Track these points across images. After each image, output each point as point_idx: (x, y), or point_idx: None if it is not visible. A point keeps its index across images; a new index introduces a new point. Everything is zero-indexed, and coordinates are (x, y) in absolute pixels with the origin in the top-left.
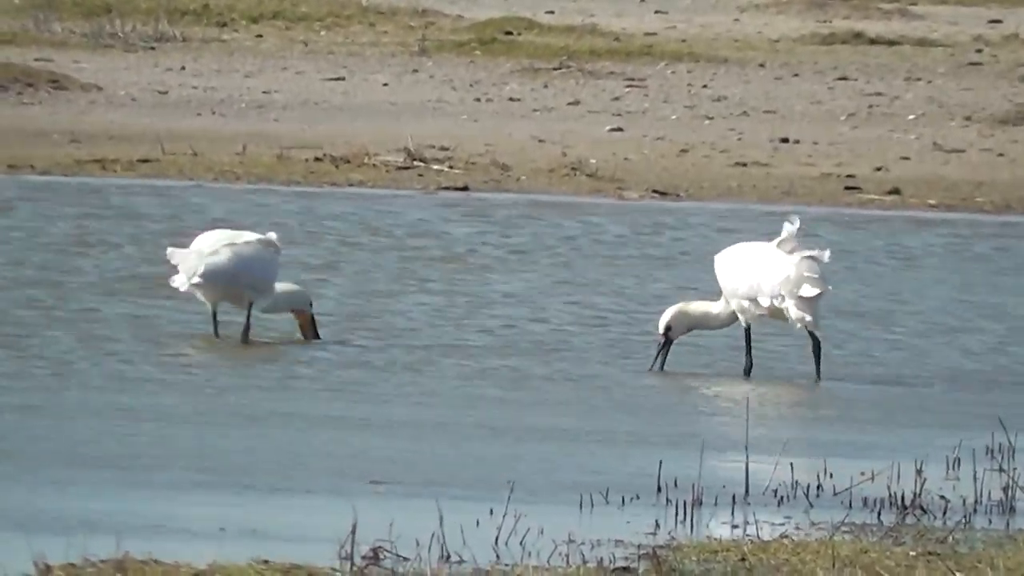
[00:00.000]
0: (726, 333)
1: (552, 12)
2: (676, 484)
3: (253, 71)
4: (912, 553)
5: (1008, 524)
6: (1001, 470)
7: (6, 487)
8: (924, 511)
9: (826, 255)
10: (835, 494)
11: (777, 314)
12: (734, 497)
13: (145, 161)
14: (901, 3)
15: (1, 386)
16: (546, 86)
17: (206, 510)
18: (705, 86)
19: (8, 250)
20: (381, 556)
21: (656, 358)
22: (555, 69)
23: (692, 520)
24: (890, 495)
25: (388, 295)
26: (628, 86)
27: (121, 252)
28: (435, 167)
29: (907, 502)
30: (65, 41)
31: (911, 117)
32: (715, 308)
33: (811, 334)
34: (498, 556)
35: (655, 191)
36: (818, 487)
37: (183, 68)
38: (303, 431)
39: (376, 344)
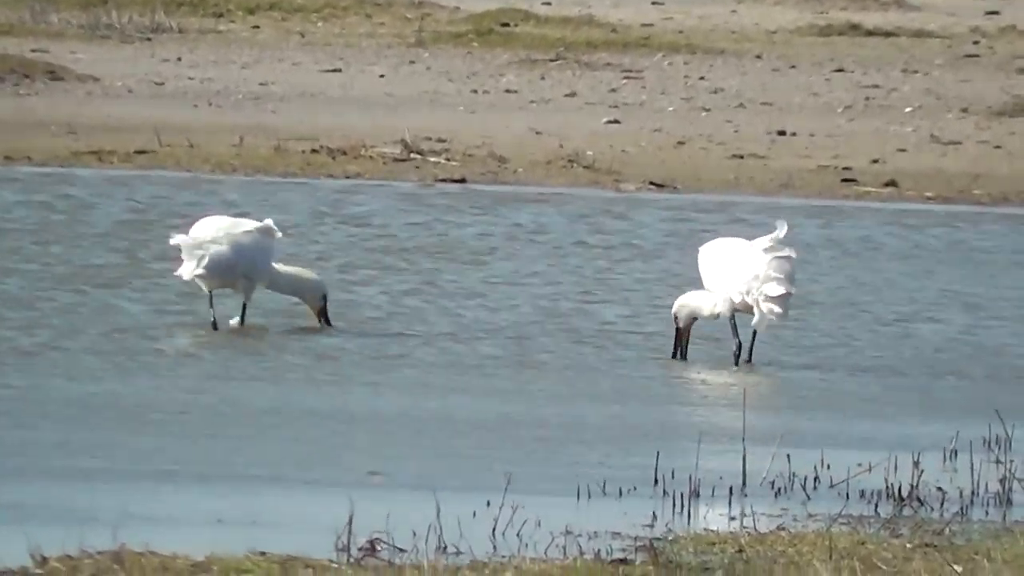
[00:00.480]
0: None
1: (549, 3)
2: (673, 476)
3: (250, 62)
4: (909, 545)
5: (1005, 516)
6: (998, 462)
7: (2, 479)
8: (921, 503)
9: (792, 255)
10: (832, 486)
11: (747, 308)
12: (731, 489)
13: (142, 152)
14: None
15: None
16: (543, 78)
17: (203, 502)
18: (702, 78)
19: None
20: (378, 548)
21: (675, 348)
22: (552, 61)
23: (689, 512)
24: (887, 487)
25: (382, 286)
26: (625, 78)
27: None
28: (432, 159)
29: (904, 494)
30: (62, 32)
31: (908, 109)
32: (708, 299)
33: (754, 332)
34: (495, 548)
35: (652, 183)
36: (815, 479)
37: (180, 59)
38: (299, 422)
39: (370, 335)
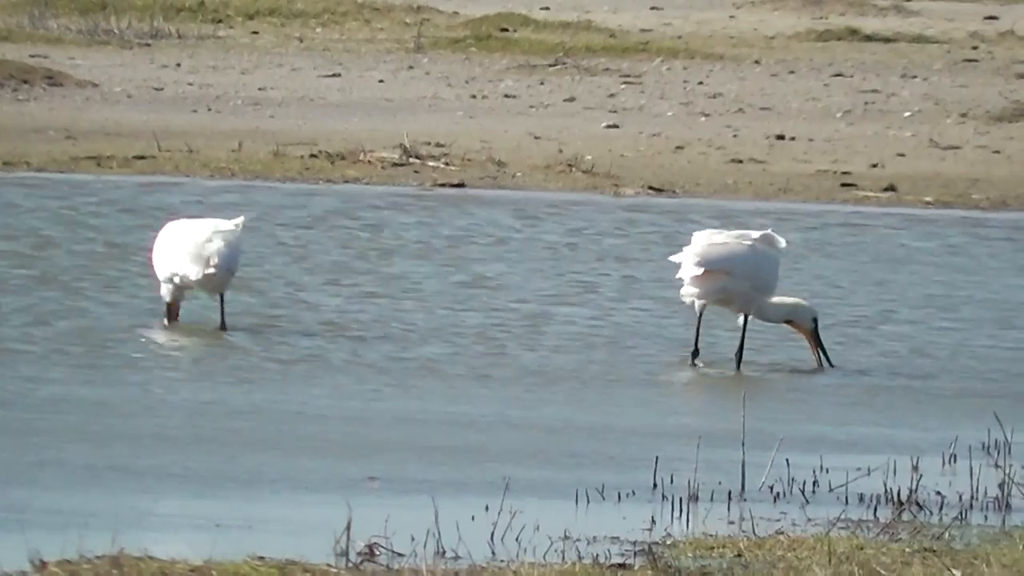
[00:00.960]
0: (725, 326)
1: (547, 8)
2: (672, 480)
3: (249, 68)
4: (908, 549)
5: (1004, 520)
6: (997, 466)
7: (1, 484)
8: (920, 507)
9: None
10: (831, 490)
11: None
12: (730, 493)
13: (141, 158)
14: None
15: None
16: (542, 83)
17: (202, 506)
18: (701, 83)
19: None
20: (376, 552)
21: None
22: (551, 66)
23: (688, 516)
24: (886, 491)
25: (379, 291)
26: (624, 83)
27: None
28: (431, 164)
29: (903, 498)
30: (61, 38)
31: (907, 114)
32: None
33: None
34: (494, 552)
35: (651, 187)
36: (814, 483)
37: (179, 65)
38: (298, 426)
39: (368, 339)
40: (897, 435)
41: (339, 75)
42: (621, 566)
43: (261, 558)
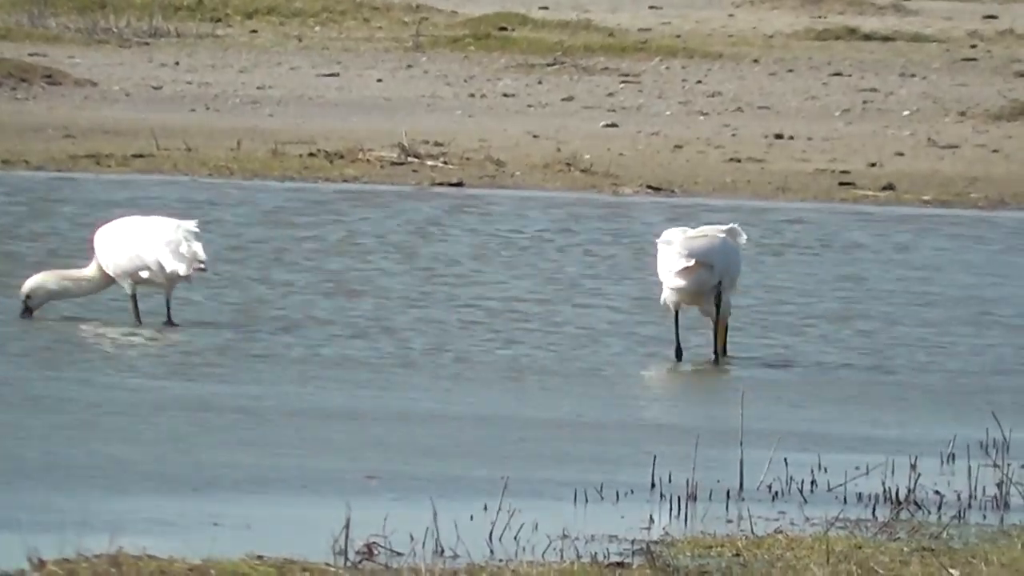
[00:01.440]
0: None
1: (546, 8)
2: (670, 479)
3: (247, 66)
4: (906, 548)
5: (1002, 519)
6: (995, 465)
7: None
8: (918, 506)
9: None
10: (829, 489)
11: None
12: (728, 492)
13: (139, 156)
14: None
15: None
16: (540, 82)
17: (200, 505)
18: (699, 82)
19: None
20: (375, 551)
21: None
22: (549, 65)
23: (686, 515)
24: (884, 490)
25: (377, 289)
26: (622, 82)
27: None
28: (429, 163)
29: (901, 497)
30: (59, 36)
31: (906, 113)
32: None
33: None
34: (492, 552)
35: (649, 186)
36: (812, 482)
37: (177, 63)
38: (297, 425)
39: (367, 337)
40: (895, 434)
41: (338, 74)
42: (619, 565)
43: (260, 557)
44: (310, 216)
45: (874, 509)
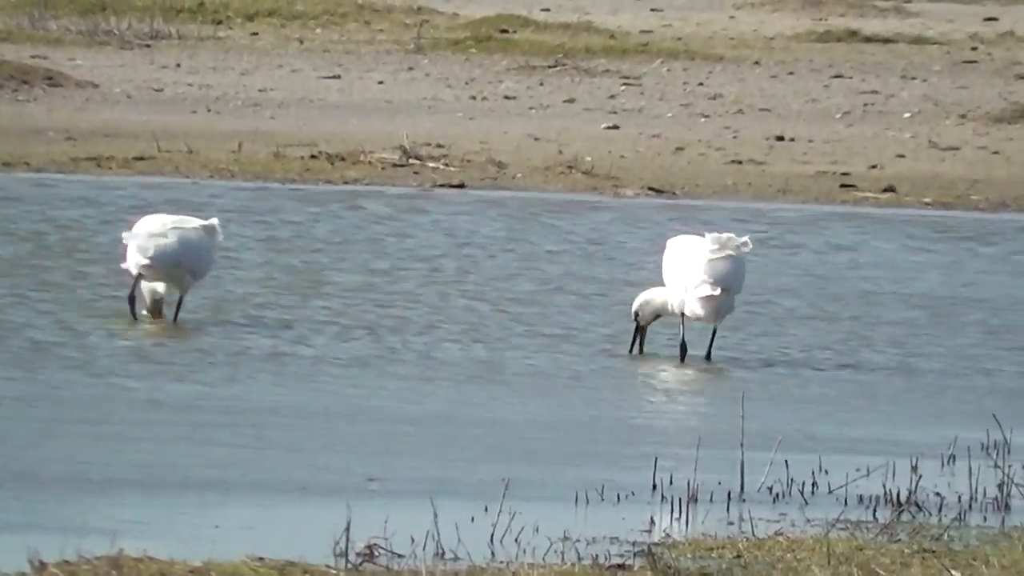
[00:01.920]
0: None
1: (548, 10)
2: (671, 481)
3: (249, 69)
4: (907, 550)
5: (1003, 521)
6: (996, 467)
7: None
8: (919, 508)
9: (734, 255)
10: (830, 491)
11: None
12: (729, 494)
13: (141, 159)
14: (897, 1)
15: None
16: (542, 84)
17: (200, 507)
18: (701, 84)
19: None
20: (376, 553)
21: (632, 343)
22: (551, 67)
23: (687, 517)
24: (885, 492)
25: (378, 290)
26: (624, 84)
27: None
28: (431, 165)
29: (902, 499)
30: (61, 38)
31: (907, 115)
32: (670, 295)
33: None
34: (493, 553)
35: (651, 188)
36: (813, 484)
37: (179, 66)
38: (297, 427)
39: (368, 339)
40: (896, 436)
41: (339, 76)
42: (620, 567)
43: (260, 559)
44: (310, 216)
45: (875, 511)
